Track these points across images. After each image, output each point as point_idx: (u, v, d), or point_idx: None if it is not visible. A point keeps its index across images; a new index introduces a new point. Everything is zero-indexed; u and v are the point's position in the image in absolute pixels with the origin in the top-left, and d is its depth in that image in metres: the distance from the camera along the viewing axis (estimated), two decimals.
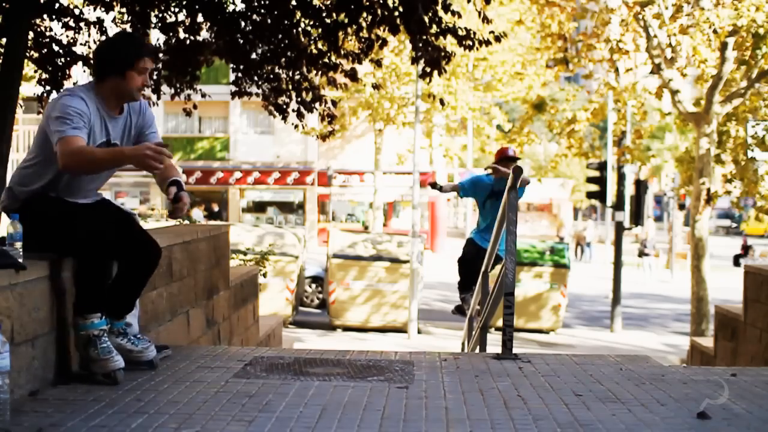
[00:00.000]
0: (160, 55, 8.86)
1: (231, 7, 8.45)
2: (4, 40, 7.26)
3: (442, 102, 10.18)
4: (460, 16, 8.06)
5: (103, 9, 8.43)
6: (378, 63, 9.13)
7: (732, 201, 19.66)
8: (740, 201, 20.36)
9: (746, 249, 34.14)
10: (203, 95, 9.31)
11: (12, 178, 3.98)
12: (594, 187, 20.34)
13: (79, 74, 8.71)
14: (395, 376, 4.13)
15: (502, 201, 6.20)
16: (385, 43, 8.44)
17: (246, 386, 3.84)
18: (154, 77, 8.88)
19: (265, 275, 12.05)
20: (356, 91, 23.61)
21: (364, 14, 7.88)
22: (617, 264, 19.18)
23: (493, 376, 4.19)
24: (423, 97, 18.07)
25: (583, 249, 34.96)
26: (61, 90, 8.23)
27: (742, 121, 17.60)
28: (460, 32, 7.99)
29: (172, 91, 9.01)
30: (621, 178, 19.68)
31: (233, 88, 9.06)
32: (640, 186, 19.68)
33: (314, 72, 8.71)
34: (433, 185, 8.01)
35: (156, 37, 9.18)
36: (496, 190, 7.61)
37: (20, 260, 3.50)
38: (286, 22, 8.18)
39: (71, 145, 3.62)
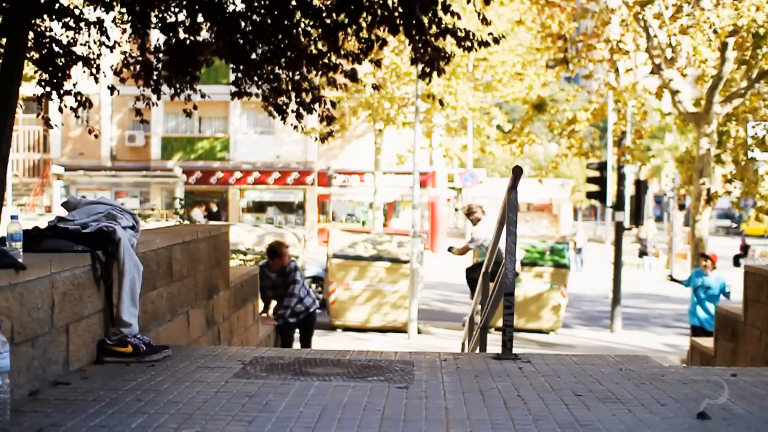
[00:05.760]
0: (160, 55, 8.85)
1: (231, 7, 8.44)
2: (4, 40, 7.25)
3: (441, 102, 10.21)
4: (459, 17, 8.06)
5: (103, 9, 8.42)
6: (378, 63, 9.12)
7: (732, 201, 19.67)
8: (740, 201, 20.38)
9: (745, 249, 34.15)
10: (203, 95, 9.30)
11: None
12: (594, 188, 20.33)
13: (79, 75, 8.70)
14: (395, 376, 4.13)
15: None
16: (385, 43, 8.44)
17: (246, 386, 3.84)
18: (154, 77, 8.88)
19: None
20: (356, 91, 23.60)
21: (364, 14, 7.87)
22: (617, 264, 19.17)
23: (493, 376, 4.19)
24: (423, 97, 18.05)
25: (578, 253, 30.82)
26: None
27: (742, 122, 17.62)
28: (459, 33, 7.99)
29: (172, 91, 9.00)
30: (621, 178, 19.67)
31: (233, 89, 9.05)
32: (640, 186, 19.67)
33: (314, 72, 8.71)
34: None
35: (156, 37, 9.16)
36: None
37: (20, 260, 3.50)
38: (286, 22, 8.17)
39: None
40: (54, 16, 7.91)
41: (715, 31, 14.17)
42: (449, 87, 23.27)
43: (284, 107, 9.07)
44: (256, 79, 8.80)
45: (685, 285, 12.69)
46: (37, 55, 8.19)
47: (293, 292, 9.44)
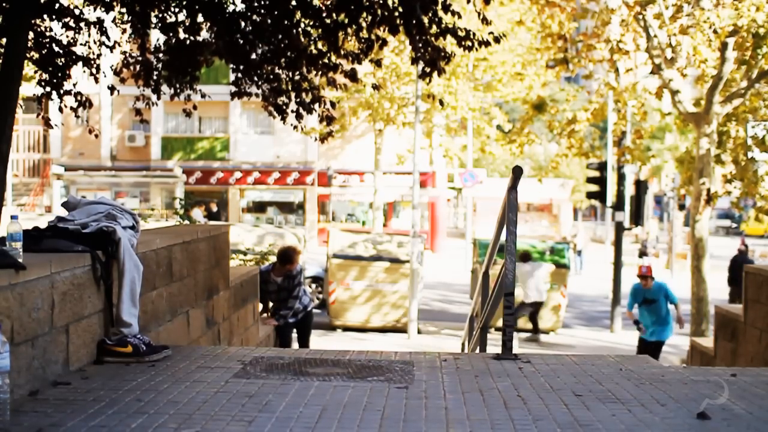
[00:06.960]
0: (160, 55, 8.85)
1: (231, 7, 8.44)
2: (4, 40, 7.25)
3: (441, 102, 10.21)
4: (460, 17, 8.06)
5: (103, 9, 8.42)
6: (378, 63, 9.12)
7: (732, 201, 19.65)
8: (740, 201, 20.36)
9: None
10: (203, 95, 9.30)
11: None
12: (594, 188, 20.35)
13: (79, 75, 8.69)
14: (395, 376, 4.13)
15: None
16: (385, 43, 8.44)
17: (246, 386, 3.84)
18: (154, 77, 8.88)
19: None
20: (356, 91, 23.60)
21: (364, 14, 7.87)
22: (617, 264, 19.17)
23: (493, 376, 4.19)
24: (423, 97, 18.06)
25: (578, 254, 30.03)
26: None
27: (742, 122, 17.60)
28: (459, 33, 7.99)
29: (172, 91, 9.00)
30: (621, 178, 19.68)
31: (233, 89, 9.05)
32: (640, 186, 19.68)
33: (314, 72, 8.71)
34: None
35: (156, 37, 9.16)
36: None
37: (20, 260, 3.50)
38: (286, 22, 8.16)
39: None
40: (54, 16, 7.90)
41: (715, 31, 14.15)
42: (449, 87, 23.26)
43: (284, 107, 9.07)
44: (256, 79, 8.80)
45: (630, 308, 12.11)
46: (37, 55, 8.18)
47: (297, 294, 9.49)
